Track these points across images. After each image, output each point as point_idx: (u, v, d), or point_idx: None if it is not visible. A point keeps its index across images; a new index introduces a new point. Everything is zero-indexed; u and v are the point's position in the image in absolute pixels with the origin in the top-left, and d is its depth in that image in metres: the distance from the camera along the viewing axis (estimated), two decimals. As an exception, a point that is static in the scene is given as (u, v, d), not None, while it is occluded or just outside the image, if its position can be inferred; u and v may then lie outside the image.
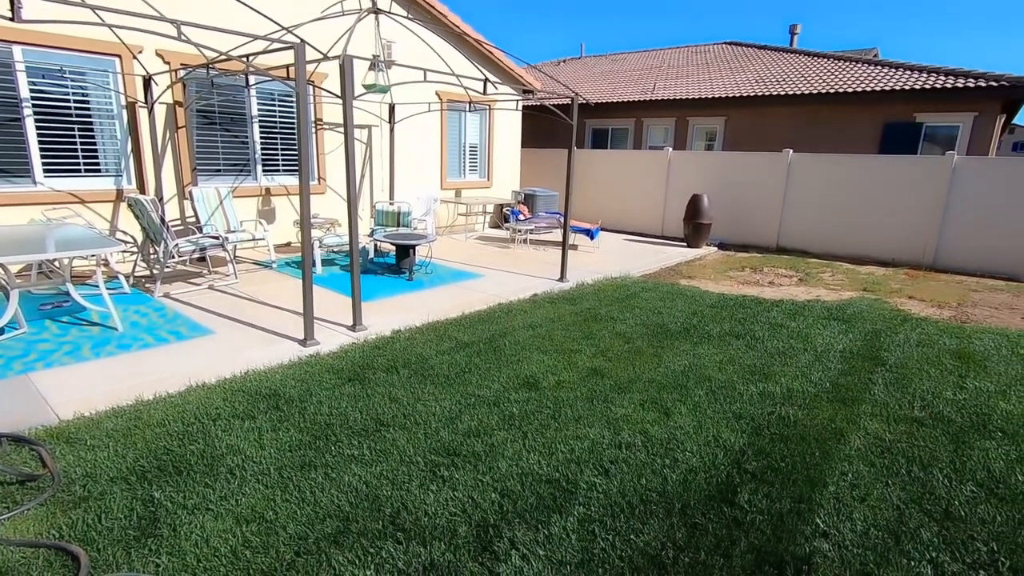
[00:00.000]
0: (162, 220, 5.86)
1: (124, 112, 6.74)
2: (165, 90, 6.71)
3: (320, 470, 2.76)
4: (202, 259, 6.56)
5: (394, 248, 7.27)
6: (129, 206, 5.76)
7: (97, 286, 4.68)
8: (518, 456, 2.97)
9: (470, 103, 8.76)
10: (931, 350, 4.78)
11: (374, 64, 6.77)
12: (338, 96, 4.48)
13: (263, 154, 8.09)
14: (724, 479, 2.77)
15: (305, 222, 4.27)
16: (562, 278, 7.14)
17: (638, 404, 3.61)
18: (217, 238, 6.27)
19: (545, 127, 14.91)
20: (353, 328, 4.89)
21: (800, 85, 12.05)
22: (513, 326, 5.20)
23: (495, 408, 3.53)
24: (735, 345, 4.84)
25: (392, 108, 9.27)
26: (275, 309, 5.43)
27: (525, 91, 11.54)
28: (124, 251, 6.49)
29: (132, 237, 6.32)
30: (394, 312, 5.52)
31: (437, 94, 9.95)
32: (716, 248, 10.66)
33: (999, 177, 8.29)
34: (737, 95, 12.43)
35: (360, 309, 4.89)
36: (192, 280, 6.38)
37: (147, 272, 6.52)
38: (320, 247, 7.03)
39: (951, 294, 7.25)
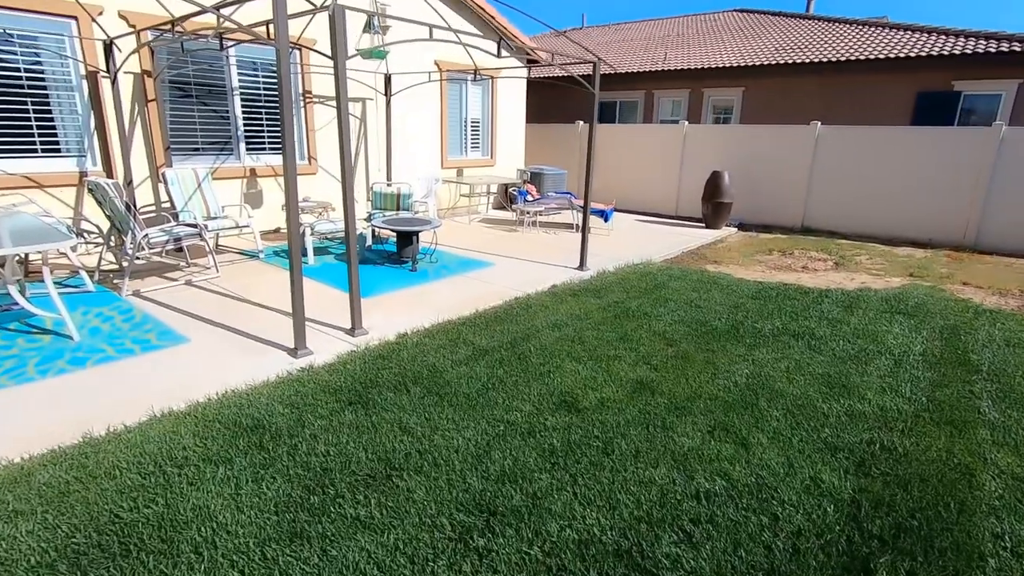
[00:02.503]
0: (128, 207, 5.10)
1: (84, 83, 5.91)
2: (128, 56, 5.87)
3: (316, 544, 2.09)
4: (179, 250, 5.82)
5: (394, 235, 6.54)
6: (90, 191, 4.99)
7: (58, 284, 3.95)
8: (571, 512, 2.31)
9: (475, 72, 7.94)
10: None
11: (369, 25, 5.95)
12: (329, 57, 3.71)
13: (246, 131, 7.28)
14: (846, 547, 2.12)
15: (292, 209, 3.54)
16: (581, 266, 6.45)
17: (705, 432, 2.95)
18: (195, 226, 5.52)
19: (548, 101, 14.04)
20: (352, 332, 4.20)
21: (825, 52, 11.22)
22: (536, 326, 4.52)
23: (530, 439, 2.86)
24: (796, 347, 4.18)
25: (388, 79, 8.43)
26: (262, 309, 4.72)
27: (530, 61, 10.68)
28: (89, 242, 5.73)
29: (97, 227, 5.56)
30: (397, 310, 4.82)
31: (436, 63, 9.10)
32: (736, 229, 9.96)
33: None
34: (757, 63, 11.59)
35: (359, 310, 4.19)
36: (167, 274, 5.65)
37: (116, 265, 5.77)
38: (312, 234, 6.29)
39: (1008, 279, 6.61)
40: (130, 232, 4.95)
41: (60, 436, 2.72)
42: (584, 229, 6.45)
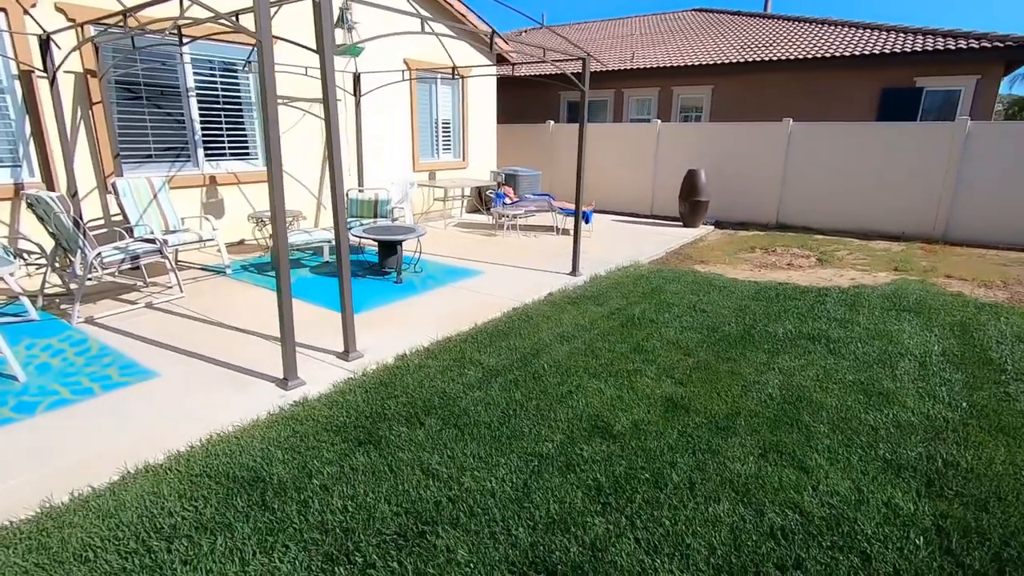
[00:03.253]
0: (76, 223, 4.51)
1: (17, 84, 5.26)
2: (69, 54, 5.25)
3: (353, 633, 1.73)
4: (135, 268, 5.24)
5: (373, 244, 6.12)
6: (29, 206, 4.39)
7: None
8: (639, 566, 2.02)
9: (453, 70, 7.56)
10: (1031, 345, 4.12)
11: (342, 19, 5.52)
12: (311, 50, 3.31)
13: (205, 135, 6.70)
14: (953, 589, 1.91)
15: (278, 223, 3.12)
16: (574, 271, 6.19)
17: (757, 455, 2.71)
18: (153, 241, 4.96)
19: (516, 101, 13.78)
20: (346, 356, 3.79)
21: (791, 50, 11.38)
22: (543, 340, 4.22)
23: (570, 475, 2.56)
24: (816, 352, 4.03)
25: (357, 78, 7.96)
26: (238, 332, 4.25)
27: (500, 59, 10.39)
28: (30, 263, 5.09)
29: (39, 245, 4.93)
30: (390, 327, 4.43)
31: (405, 62, 8.69)
32: (713, 227, 9.94)
33: (1019, 143, 7.82)
34: (727, 61, 11.65)
35: (353, 330, 3.79)
36: (123, 296, 5.06)
37: (63, 288, 5.14)
38: (284, 246, 5.79)
39: (986, 271, 6.73)
40: (79, 251, 4.38)
41: (10, 507, 2.24)
42: (577, 233, 6.19)
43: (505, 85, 11.34)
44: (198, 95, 6.55)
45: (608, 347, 4.11)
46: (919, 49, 9.76)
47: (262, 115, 2.86)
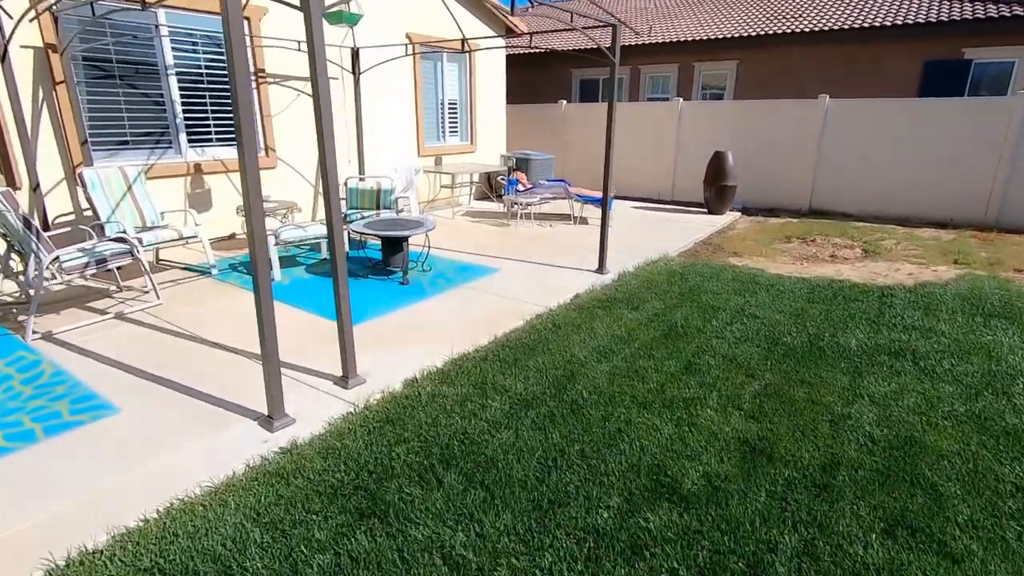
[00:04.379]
0: (27, 221, 3.87)
1: (-36, 60, 4.58)
2: (18, 23, 4.56)
3: None
4: (108, 271, 4.61)
5: (377, 239, 5.47)
6: (-27, 203, 3.75)
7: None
8: None
9: (462, 43, 6.81)
10: None
11: (336, -19, 4.81)
12: (296, 8, 2.63)
13: (187, 119, 6.02)
14: None
15: (254, 219, 2.47)
16: (601, 268, 5.53)
17: (880, 531, 2.08)
18: (124, 241, 4.33)
19: (525, 81, 12.99)
20: (344, 382, 3.17)
21: (823, 20, 10.53)
22: (576, 357, 3.58)
23: (639, 562, 1.94)
24: (905, 371, 3.38)
25: (355, 53, 7.24)
26: (219, 350, 3.63)
27: (509, 31, 9.61)
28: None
29: (-8, 247, 4.30)
30: (396, 341, 3.80)
31: (408, 36, 7.94)
32: (740, 213, 9.22)
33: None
34: (753, 34, 10.81)
35: (352, 351, 3.16)
36: (92, 304, 4.45)
37: (22, 296, 4.52)
38: (276, 243, 5.15)
39: (1059, 263, 6.04)
40: (32, 255, 3.75)
41: None
42: (604, 225, 5.50)
43: (512, 65, 10.57)
44: (179, 73, 5.85)
45: (654, 366, 3.47)
46: (968, 17, 8.91)
47: (231, 84, 2.19)
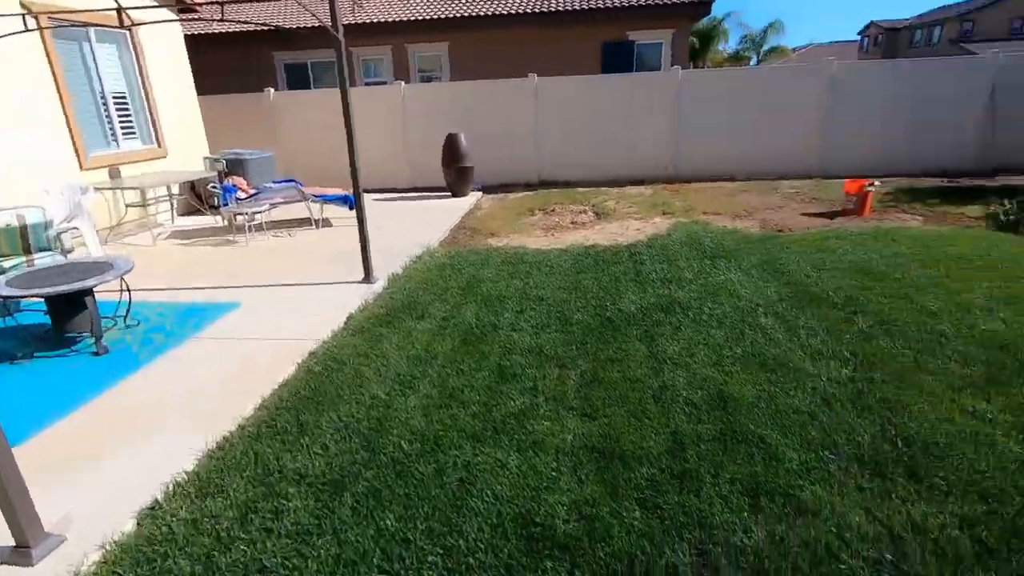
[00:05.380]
0: None
1: None
2: None
3: None
4: None
5: (43, 301, 3.75)
6: None
7: None
8: None
9: (120, 14, 5.09)
10: (900, 271, 4.47)
11: None
12: None
13: None
14: None
15: None
16: (368, 277, 4.85)
17: (748, 507, 2.05)
18: None
19: (215, 65, 10.95)
20: (26, 556, 1.94)
21: (516, 4, 11.27)
22: (377, 396, 2.94)
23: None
24: (682, 325, 3.65)
25: (-72, 28, 4.83)
26: None
27: (185, 6, 7.81)
28: None
29: None
30: (108, 446, 2.58)
31: (23, 4, 5.71)
32: (482, 193, 9.42)
33: (719, 88, 8.99)
34: (458, 15, 10.97)
35: (27, 501, 1.95)
36: None
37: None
38: None
39: (725, 203, 7.58)
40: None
41: None
42: (362, 226, 4.79)
43: (198, 46, 8.71)
44: None
45: (467, 383, 3.06)
46: (629, 4, 10.54)
47: None
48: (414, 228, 6.86)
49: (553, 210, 8.01)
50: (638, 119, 9.26)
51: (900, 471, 2.20)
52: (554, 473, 2.30)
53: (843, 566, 1.80)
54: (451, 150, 8.85)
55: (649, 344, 3.41)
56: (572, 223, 7.32)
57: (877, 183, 6.88)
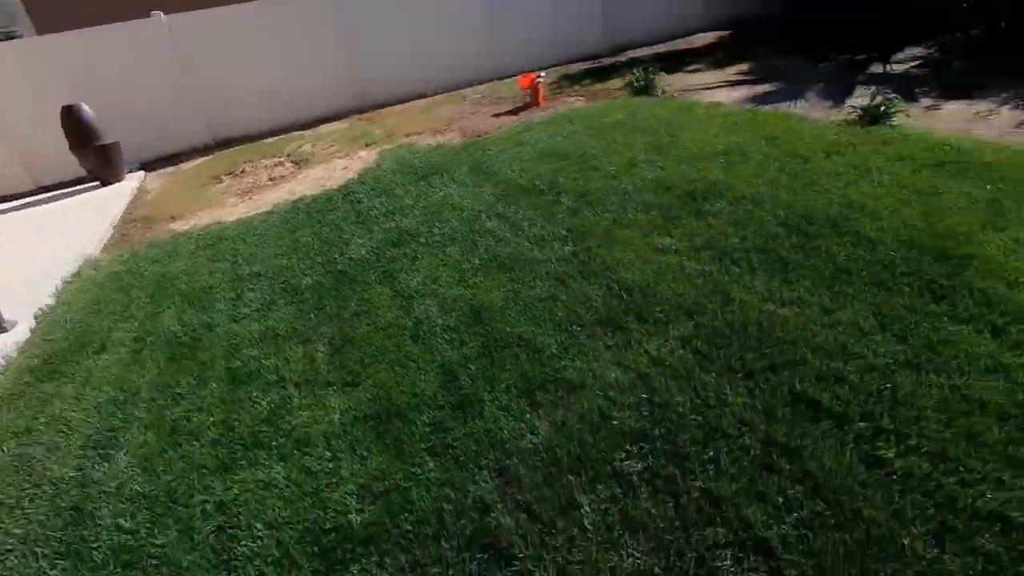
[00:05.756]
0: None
1: None
2: None
3: None
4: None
5: None
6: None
7: None
8: None
9: None
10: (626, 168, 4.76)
11: None
12: None
13: None
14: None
15: None
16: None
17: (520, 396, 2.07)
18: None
19: None
20: None
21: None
22: (95, 489, 2.16)
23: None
24: (417, 254, 3.49)
25: None
26: None
27: None
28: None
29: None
30: None
31: None
32: (143, 173, 7.62)
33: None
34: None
35: None
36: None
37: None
38: None
39: (425, 121, 7.50)
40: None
41: None
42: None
43: None
44: None
45: (191, 406, 2.46)
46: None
47: None
48: (58, 240, 5.19)
49: (243, 171, 6.92)
50: (315, 53, 8.41)
51: (631, 318, 2.49)
52: (331, 465, 2.00)
53: (615, 422, 1.96)
54: (75, 127, 6.79)
55: (391, 284, 3.19)
56: (270, 179, 6.44)
57: (543, 74, 7.57)
